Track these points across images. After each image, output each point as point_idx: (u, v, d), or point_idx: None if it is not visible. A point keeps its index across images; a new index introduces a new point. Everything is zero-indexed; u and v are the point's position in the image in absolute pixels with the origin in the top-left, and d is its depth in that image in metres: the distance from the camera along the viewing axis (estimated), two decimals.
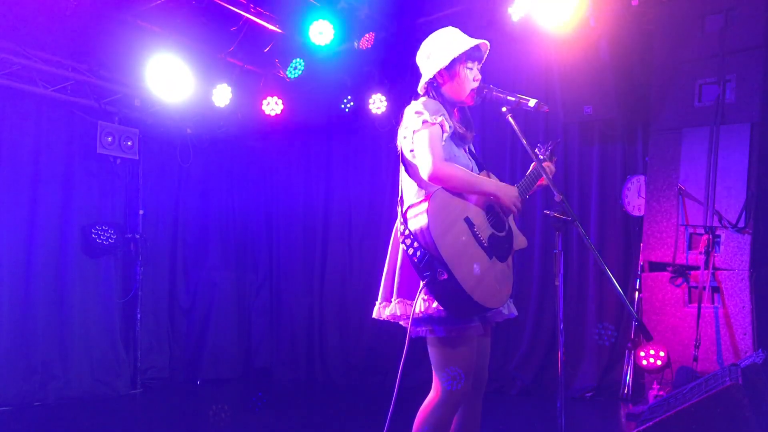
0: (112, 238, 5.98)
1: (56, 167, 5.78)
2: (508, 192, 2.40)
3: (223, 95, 6.01)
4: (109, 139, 5.93)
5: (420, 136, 2.33)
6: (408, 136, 2.38)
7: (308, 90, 6.72)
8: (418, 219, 2.26)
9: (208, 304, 6.88)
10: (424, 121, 2.33)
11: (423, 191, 2.38)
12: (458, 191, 2.34)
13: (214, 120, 6.78)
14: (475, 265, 2.25)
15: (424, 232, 2.21)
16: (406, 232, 2.27)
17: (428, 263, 2.19)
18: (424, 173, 2.30)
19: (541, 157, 2.66)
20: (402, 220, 2.33)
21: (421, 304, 2.26)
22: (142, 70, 5.40)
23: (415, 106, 2.39)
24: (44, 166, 5.69)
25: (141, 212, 6.38)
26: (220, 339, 6.86)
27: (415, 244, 2.23)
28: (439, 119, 2.35)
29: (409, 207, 2.34)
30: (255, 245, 7.38)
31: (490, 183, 2.42)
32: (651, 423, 2.94)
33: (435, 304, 2.24)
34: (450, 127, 2.40)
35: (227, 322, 6.97)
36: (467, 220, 2.31)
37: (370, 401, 5.66)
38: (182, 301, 6.79)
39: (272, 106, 6.30)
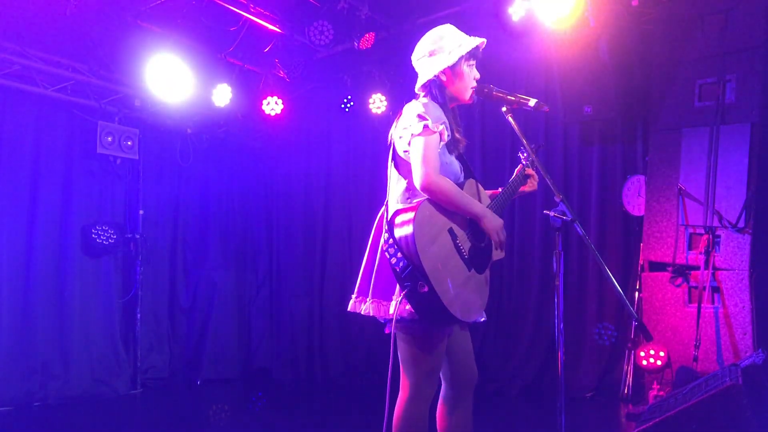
0: (112, 238, 5.98)
1: (56, 167, 5.77)
2: (493, 221, 2.36)
3: (223, 95, 6.01)
4: (109, 139, 5.93)
5: (418, 142, 2.30)
6: (405, 137, 2.35)
7: (308, 90, 6.72)
8: (403, 228, 2.23)
9: (208, 304, 6.87)
10: (425, 127, 2.30)
11: (409, 193, 2.37)
12: (445, 206, 2.32)
13: (214, 120, 6.78)
14: (455, 278, 2.25)
15: (409, 242, 2.19)
16: (390, 240, 2.24)
17: (410, 274, 2.17)
18: (417, 183, 2.29)
19: (523, 162, 2.66)
20: (387, 227, 2.29)
21: (395, 306, 2.25)
22: (142, 70, 5.39)
23: (417, 107, 2.35)
24: (44, 166, 5.68)
25: (141, 212, 6.38)
26: (220, 339, 6.85)
27: (399, 254, 2.20)
28: (440, 127, 2.32)
29: (395, 214, 2.30)
30: (255, 245, 7.37)
31: (477, 206, 2.37)
32: (651, 423, 2.94)
33: (408, 307, 2.24)
34: (448, 135, 2.38)
35: (227, 322, 6.96)
36: (451, 231, 2.30)
37: (371, 401, 5.66)
38: (182, 301, 6.79)
39: (272, 106, 6.30)
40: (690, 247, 4.51)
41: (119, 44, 5.44)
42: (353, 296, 2.42)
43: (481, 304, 2.37)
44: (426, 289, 2.15)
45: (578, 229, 2.17)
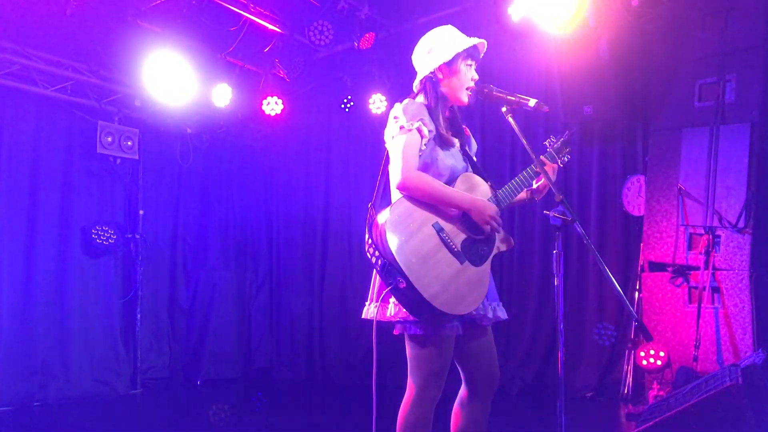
0: (112, 239, 5.98)
1: (56, 167, 5.77)
2: (481, 208, 2.32)
3: (223, 95, 6.00)
4: (109, 139, 5.93)
5: (395, 142, 2.33)
6: (387, 141, 2.40)
7: (308, 90, 6.72)
8: (379, 227, 2.26)
9: (208, 304, 6.87)
10: (401, 127, 2.32)
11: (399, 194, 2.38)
12: (427, 202, 2.31)
13: (214, 120, 6.78)
14: (441, 272, 2.22)
15: (383, 240, 2.21)
16: (369, 240, 2.28)
17: (388, 271, 2.19)
18: (393, 182, 2.32)
19: (549, 149, 2.62)
20: (367, 227, 2.32)
21: (392, 307, 2.27)
22: (142, 70, 5.39)
23: (395, 110, 2.38)
24: (44, 166, 5.68)
25: (141, 212, 6.38)
26: (220, 339, 6.86)
27: (377, 253, 2.23)
28: (416, 124, 2.32)
29: (376, 214, 2.33)
30: (255, 245, 7.37)
31: (462, 197, 2.33)
32: (651, 423, 2.95)
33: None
34: (430, 131, 2.36)
35: (227, 322, 6.97)
36: (436, 225, 2.29)
37: (370, 401, 5.65)
38: (182, 301, 6.79)
39: (272, 106, 6.29)
40: (690, 248, 4.51)
41: (119, 44, 5.43)
42: (366, 302, 2.43)
43: (477, 297, 2.30)
44: (404, 284, 2.16)
45: (578, 229, 2.17)
